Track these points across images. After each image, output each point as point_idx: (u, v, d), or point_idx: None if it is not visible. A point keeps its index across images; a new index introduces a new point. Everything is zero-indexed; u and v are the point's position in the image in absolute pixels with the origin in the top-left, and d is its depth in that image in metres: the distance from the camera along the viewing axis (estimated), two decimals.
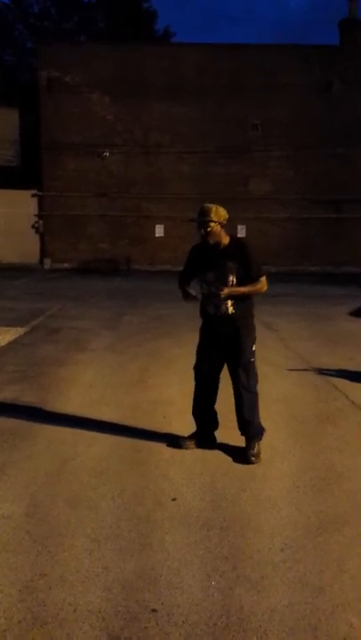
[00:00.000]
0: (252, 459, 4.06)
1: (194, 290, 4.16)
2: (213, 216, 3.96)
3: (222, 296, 3.98)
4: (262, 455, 4.13)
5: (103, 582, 2.70)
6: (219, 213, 3.99)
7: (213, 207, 4.02)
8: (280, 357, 7.18)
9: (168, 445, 4.30)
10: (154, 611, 2.51)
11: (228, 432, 4.35)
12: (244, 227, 20.57)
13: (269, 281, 4.25)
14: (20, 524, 3.20)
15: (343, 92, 21.57)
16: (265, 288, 4.13)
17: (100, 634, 2.36)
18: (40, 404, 5.32)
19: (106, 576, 2.75)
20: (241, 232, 20.11)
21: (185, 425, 4.61)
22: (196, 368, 4.32)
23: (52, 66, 21.30)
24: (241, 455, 4.12)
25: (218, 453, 4.20)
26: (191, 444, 4.29)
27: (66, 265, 21.40)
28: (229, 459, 4.11)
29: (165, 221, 21.88)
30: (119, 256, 21.86)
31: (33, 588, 2.64)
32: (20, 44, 32.71)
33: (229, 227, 4.14)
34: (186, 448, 4.25)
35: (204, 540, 3.06)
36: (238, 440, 4.25)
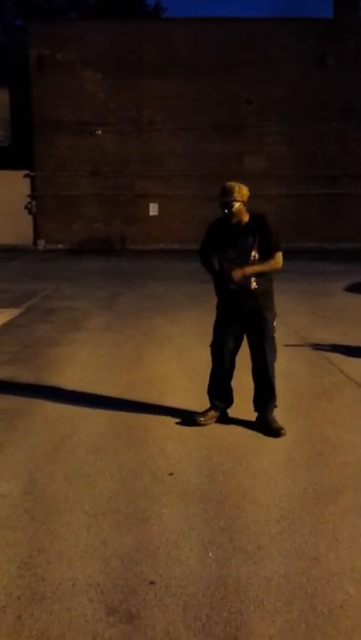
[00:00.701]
0: (282, 431, 4.08)
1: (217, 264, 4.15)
2: (237, 195, 3.98)
3: (235, 279, 3.98)
4: (257, 430, 4.17)
5: (101, 556, 2.73)
6: (242, 192, 4.00)
7: (236, 186, 4.01)
8: (277, 333, 7.17)
9: (180, 423, 4.27)
10: (152, 583, 2.54)
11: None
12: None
13: None
14: (19, 501, 3.22)
15: (338, 66, 21.28)
16: (280, 264, 4.16)
17: (99, 607, 2.39)
18: (36, 384, 5.33)
19: (104, 550, 2.77)
20: None
21: (181, 401, 4.63)
22: (215, 346, 4.29)
23: (43, 44, 20.94)
24: (268, 430, 4.12)
25: (214, 429, 4.22)
26: (208, 419, 4.26)
27: (60, 246, 21.27)
28: (226, 433, 4.14)
29: (160, 199, 21.72)
30: (114, 235, 21.73)
31: (32, 564, 2.67)
32: (10, 22, 32.13)
33: None
34: (203, 424, 4.22)
35: (201, 512, 3.09)
36: (233, 413, 4.27)
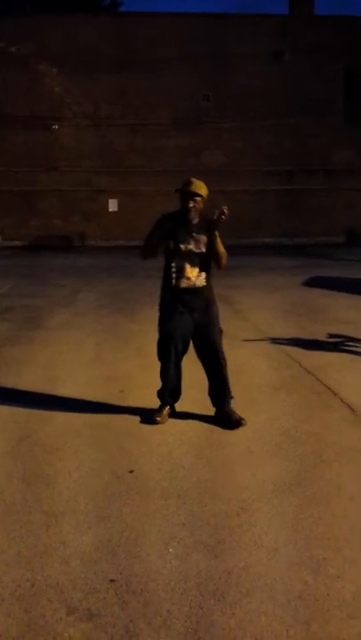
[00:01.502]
0: (243, 421, 4.14)
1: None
2: (203, 192, 4.00)
3: (224, 215, 3.91)
4: (217, 424, 4.20)
5: (61, 556, 2.70)
6: (206, 190, 4.04)
7: (203, 184, 4.05)
8: (236, 329, 7.23)
9: (142, 422, 4.26)
10: (112, 581, 2.52)
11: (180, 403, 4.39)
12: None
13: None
14: None
15: (293, 62, 21.55)
16: (225, 261, 4.20)
17: (59, 607, 2.37)
18: None
19: (63, 550, 2.74)
20: None
21: (142, 399, 4.62)
22: (162, 343, 4.26)
23: None
24: (228, 423, 4.16)
25: (175, 424, 4.23)
26: (164, 416, 4.27)
27: (17, 242, 20.93)
28: (186, 429, 4.15)
29: (119, 195, 21.61)
30: (73, 232, 21.52)
31: None
32: None
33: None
34: (161, 422, 4.23)
35: (161, 509, 3.09)
36: (188, 408, 4.29)
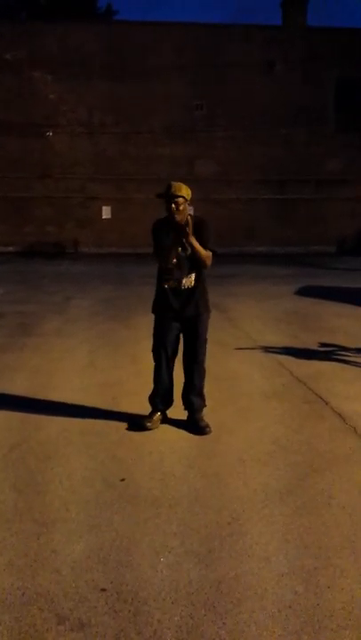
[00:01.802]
0: (208, 429, 4.20)
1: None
2: (184, 192, 4.04)
3: (189, 237, 3.96)
4: (210, 432, 4.20)
5: (52, 565, 2.69)
6: (188, 191, 4.08)
7: (183, 185, 4.09)
8: (228, 337, 7.26)
9: (130, 429, 4.27)
10: (103, 590, 2.52)
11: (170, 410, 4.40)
12: (191, 208, 20.58)
13: (217, 261, 4.35)
14: None
15: (285, 72, 21.73)
16: (209, 262, 4.19)
17: (49, 616, 2.36)
18: None
19: (54, 559, 2.74)
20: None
21: (134, 406, 4.62)
22: (156, 350, 4.31)
23: None
24: (194, 428, 4.22)
25: (167, 432, 4.23)
26: (155, 422, 4.30)
27: (11, 248, 20.91)
28: (178, 437, 4.15)
29: (112, 203, 21.66)
30: (66, 239, 21.52)
31: None
32: None
33: None
34: (151, 428, 4.25)
35: (152, 517, 3.09)
36: (180, 416, 4.31)
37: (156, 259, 4.23)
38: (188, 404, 4.35)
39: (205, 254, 4.11)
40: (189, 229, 3.96)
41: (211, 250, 4.17)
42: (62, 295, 11.01)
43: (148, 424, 4.27)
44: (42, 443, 4.06)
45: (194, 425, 4.27)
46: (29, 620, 2.33)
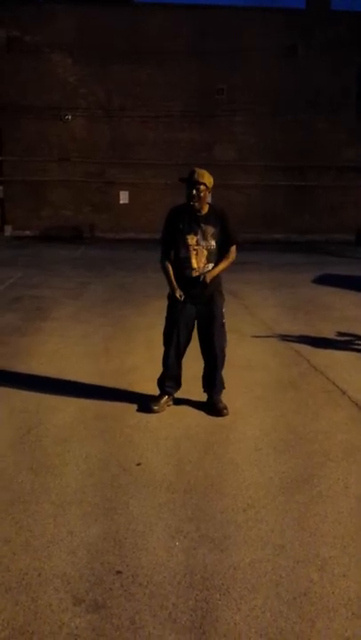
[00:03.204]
0: (225, 411, 4.26)
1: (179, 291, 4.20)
2: (206, 180, 4.05)
3: (208, 284, 4.11)
4: (226, 419, 4.21)
5: (68, 546, 2.71)
6: (210, 179, 4.09)
7: (207, 173, 4.10)
8: (245, 325, 7.23)
9: (139, 410, 4.31)
10: (118, 572, 2.54)
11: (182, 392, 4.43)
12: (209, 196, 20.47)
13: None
14: None
15: (307, 57, 21.41)
16: (234, 256, 4.27)
17: (65, 596, 2.39)
18: (1, 373, 5.25)
19: (70, 540, 2.76)
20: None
21: (149, 391, 4.62)
22: (167, 332, 4.33)
23: (12, 25, 20.49)
24: (213, 410, 4.29)
25: (183, 418, 4.24)
26: (162, 405, 4.33)
27: (28, 232, 21.00)
28: (194, 423, 4.15)
29: (130, 188, 21.59)
30: (83, 223, 21.54)
31: None
32: None
33: None
34: (158, 411, 4.27)
35: (168, 502, 3.10)
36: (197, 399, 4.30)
37: (162, 245, 4.24)
38: (208, 386, 4.38)
39: (230, 261, 4.22)
40: (206, 279, 4.09)
41: (235, 242, 4.22)
42: (78, 280, 11.03)
43: (155, 407, 4.30)
44: (58, 426, 4.08)
45: (212, 406, 4.32)
46: (45, 600, 2.36)
